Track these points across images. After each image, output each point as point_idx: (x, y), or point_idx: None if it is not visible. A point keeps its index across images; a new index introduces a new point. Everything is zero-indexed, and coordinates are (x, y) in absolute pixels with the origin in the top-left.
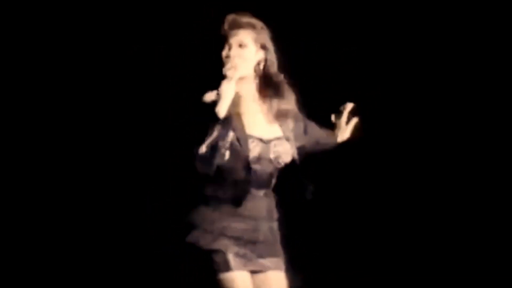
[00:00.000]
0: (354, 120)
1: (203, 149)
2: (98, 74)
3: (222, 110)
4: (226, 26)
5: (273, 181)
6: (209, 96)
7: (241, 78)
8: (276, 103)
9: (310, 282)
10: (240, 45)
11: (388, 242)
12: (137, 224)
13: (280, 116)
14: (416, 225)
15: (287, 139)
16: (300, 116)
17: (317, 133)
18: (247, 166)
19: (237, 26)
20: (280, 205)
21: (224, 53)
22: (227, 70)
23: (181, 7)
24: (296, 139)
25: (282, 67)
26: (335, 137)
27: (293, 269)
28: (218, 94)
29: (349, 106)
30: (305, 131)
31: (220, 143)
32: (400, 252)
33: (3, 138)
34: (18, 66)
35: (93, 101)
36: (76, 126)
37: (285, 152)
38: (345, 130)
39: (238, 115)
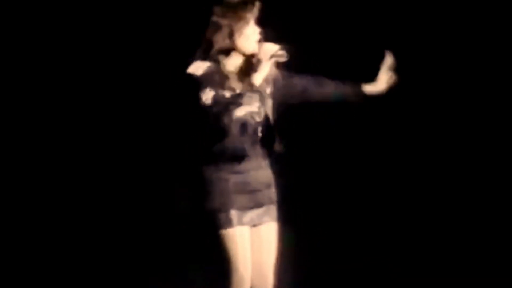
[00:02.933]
0: (388, 74)
1: (207, 100)
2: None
3: (258, 80)
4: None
5: (260, 134)
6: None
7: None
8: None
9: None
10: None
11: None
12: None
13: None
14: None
15: (261, 100)
16: (280, 75)
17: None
18: (241, 122)
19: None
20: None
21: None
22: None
23: None
24: (279, 97)
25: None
26: (362, 88)
27: (285, 219)
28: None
29: (388, 60)
30: (288, 86)
31: (222, 100)
32: (386, 211)
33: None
34: (14, 65)
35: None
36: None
37: (259, 111)
38: (379, 82)
39: (234, 76)
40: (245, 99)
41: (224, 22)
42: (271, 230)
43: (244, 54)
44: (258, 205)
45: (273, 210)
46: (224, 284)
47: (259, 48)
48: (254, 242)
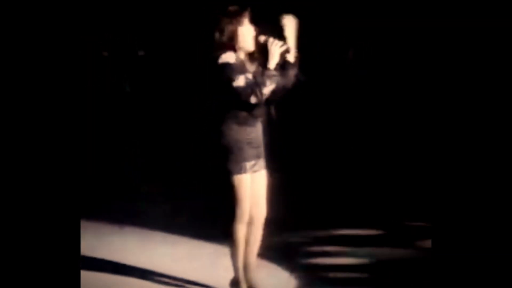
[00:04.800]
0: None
1: (240, 83)
2: None
3: (272, 65)
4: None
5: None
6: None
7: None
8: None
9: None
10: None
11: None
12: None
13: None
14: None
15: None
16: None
17: None
18: (266, 97)
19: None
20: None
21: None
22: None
23: None
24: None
25: None
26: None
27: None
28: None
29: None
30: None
31: (251, 82)
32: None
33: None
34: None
35: None
36: None
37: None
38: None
39: (255, 64)
40: (268, 80)
41: (226, 26)
42: (263, 176)
43: (245, 49)
44: (258, 157)
45: (263, 161)
46: (230, 215)
47: (267, 41)
48: (251, 184)
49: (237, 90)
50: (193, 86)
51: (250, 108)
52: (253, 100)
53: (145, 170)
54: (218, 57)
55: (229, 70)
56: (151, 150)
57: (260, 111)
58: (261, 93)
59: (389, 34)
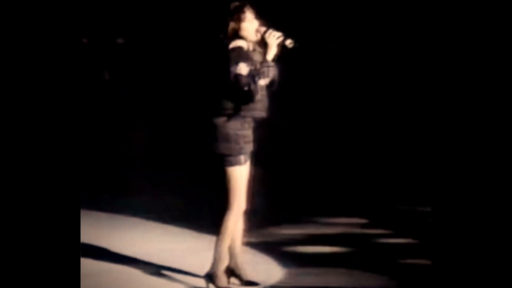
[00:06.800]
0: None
1: (242, 71)
2: None
3: (270, 57)
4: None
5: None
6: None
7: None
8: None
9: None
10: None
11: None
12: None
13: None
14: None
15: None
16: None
17: None
18: (261, 88)
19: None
20: None
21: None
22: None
23: None
24: None
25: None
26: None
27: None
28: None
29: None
30: None
31: (256, 71)
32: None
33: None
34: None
35: None
36: None
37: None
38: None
39: (254, 53)
40: (265, 71)
41: (230, 19)
42: (248, 167)
43: (249, 40)
44: (249, 150)
45: (250, 155)
46: (227, 206)
47: (265, 33)
48: None
49: (238, 76)
50: (176, 74)
51: (242, 97)
52: (246, 88)
53: (135, 159)
54: (229, 43)
55: (238, 55)
56: (137, 138)
57: (261, 100)
58: (255, 84)
59: (388, 35)
